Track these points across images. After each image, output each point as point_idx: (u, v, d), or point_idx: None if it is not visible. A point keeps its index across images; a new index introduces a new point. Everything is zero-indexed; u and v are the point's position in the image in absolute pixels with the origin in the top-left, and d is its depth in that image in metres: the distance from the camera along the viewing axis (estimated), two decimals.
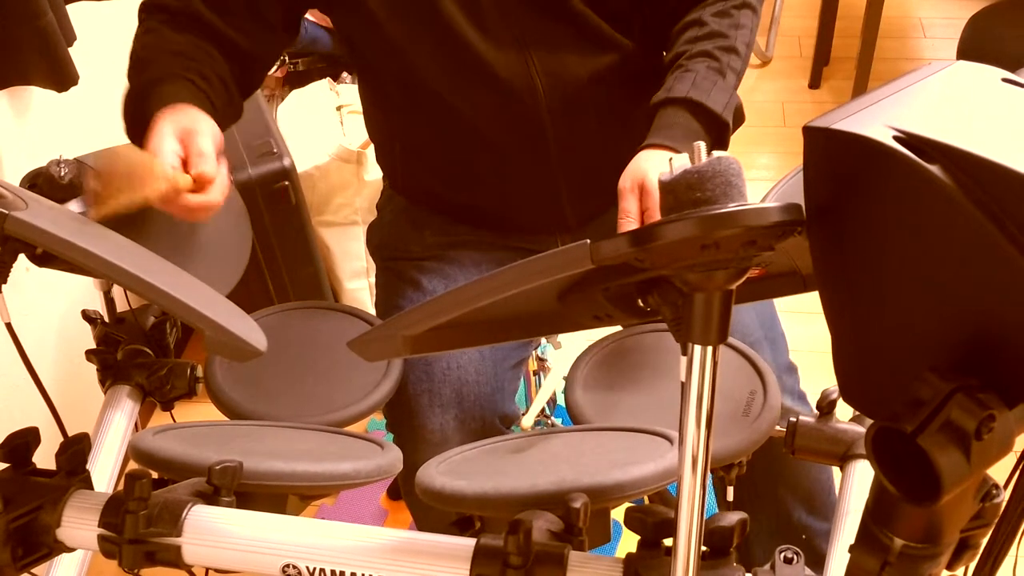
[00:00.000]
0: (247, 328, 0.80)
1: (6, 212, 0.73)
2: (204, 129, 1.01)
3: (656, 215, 1.04)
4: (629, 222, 1.05)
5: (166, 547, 0.75)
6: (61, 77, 1.53)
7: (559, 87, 1.18)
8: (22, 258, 0.82)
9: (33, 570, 0.80)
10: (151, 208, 1.06)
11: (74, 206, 1.04)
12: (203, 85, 1.08)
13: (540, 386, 1.80)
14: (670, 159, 0.59)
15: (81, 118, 1.80)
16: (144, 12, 1.16)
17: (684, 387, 0.61)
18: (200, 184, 0.97)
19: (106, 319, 1.17)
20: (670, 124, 1.10)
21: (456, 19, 1.14)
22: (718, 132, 1.12)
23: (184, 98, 1.03)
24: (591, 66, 1.19)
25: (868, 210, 0.54)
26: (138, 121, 1.02)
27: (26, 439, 0.81)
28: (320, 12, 1.25)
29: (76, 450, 0.81)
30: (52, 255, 0.78)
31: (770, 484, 1.24)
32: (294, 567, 0.73)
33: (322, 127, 2.10)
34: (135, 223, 1.07)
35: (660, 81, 1.23)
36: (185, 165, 0.98)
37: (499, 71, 1.17)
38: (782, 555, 0.73)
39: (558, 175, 1.25)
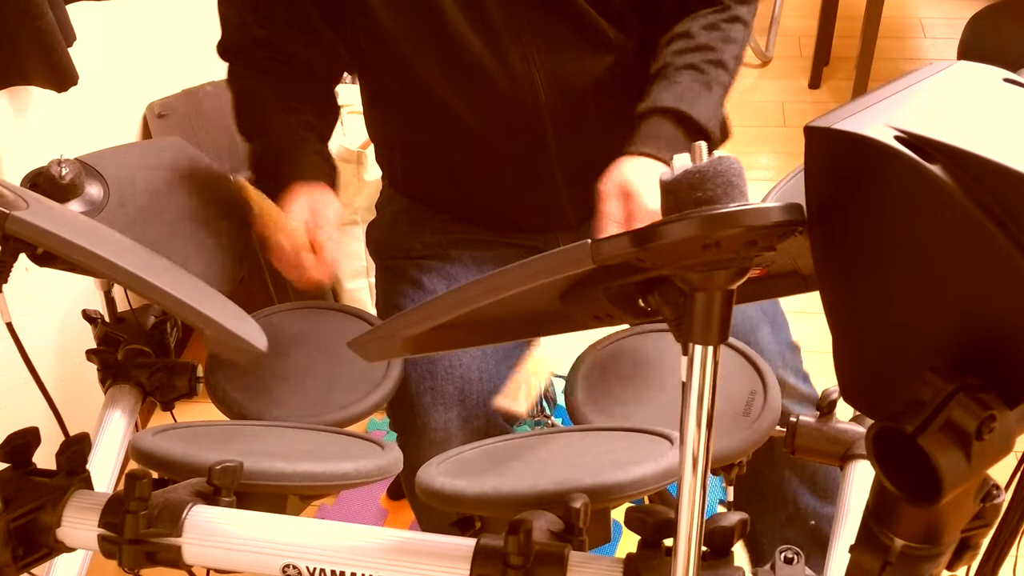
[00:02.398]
0: (247, 328, 0.80)
1: (7, 211, 0.73)
2: (331, 206, 1.15)
3: (640, 220, 1.04)
4: (613, 226, 1.06)
5: (166, 547, 0.75)
6: (61, 77, 1.53)
7: (559, 86, 1.19)
8: (22, 258, 0.82)
9: (33, 570, 0.80)
10: (152, 208, 1.06)
11: (75, 206, 1.04)
12: (319, 146, 1.22)
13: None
14: (671, 159, 0.60)
15: (81, 118, 1.80)
16: (226, 55, 1.26)
17: (685, 387, 0.61)
18: (316, 249, 1.11)
19: (107, 319, 1.17)
20: (654, 134, 1.10)
21: (457, 18, 1.14)
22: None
23: (315, 175, 1.18)
24: (591, 66, 1.19)
25: (869, 210, 0.54)
26: (269, 182, 1.15)
27: (26, 439, 0.80)
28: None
29: (76, 450, 0.81)
30: (53, 255, 0.78)
31: (775, 471, 1.23)
32: (294, 567, 0.73)
33: None
34: (136, 223, 1.07)
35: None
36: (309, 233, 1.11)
37: (500, 70, 1.17)
38: (782, 555, 0.73)
39: (558, 174, 1.25)
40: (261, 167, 1.21)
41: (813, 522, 1.24)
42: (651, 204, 1.04)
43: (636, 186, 1.05)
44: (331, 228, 1.12)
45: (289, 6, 1.20)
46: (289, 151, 1.19)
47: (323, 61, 1.27)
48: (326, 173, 1.20)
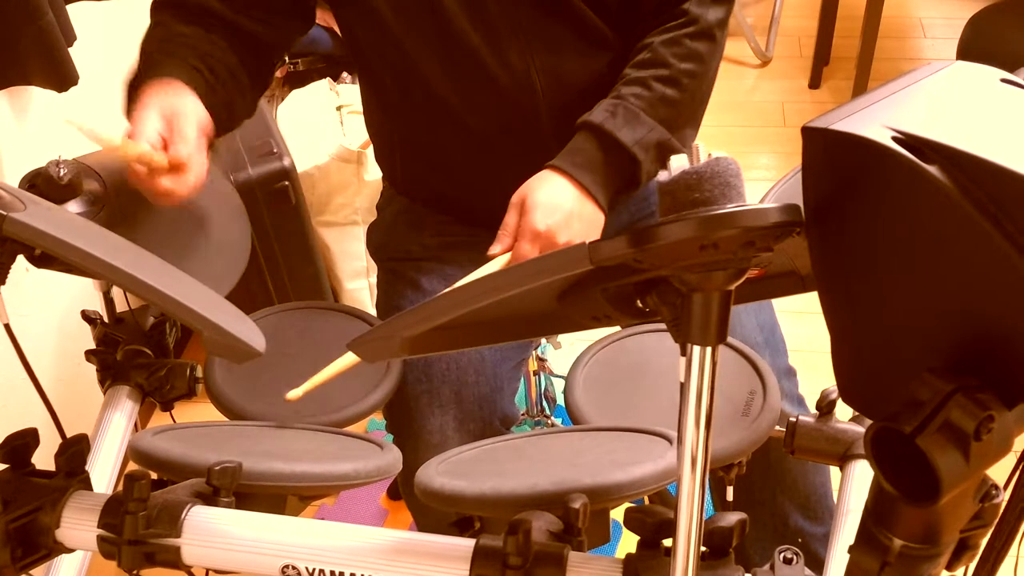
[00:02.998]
0: (246, 329, 0.80)
1: (4, 213, 0.73)
2: (190, 111, 0.99)
3: (523, 238, 1.03)
4: (505, 238, 1.05)
5: (165, 548, 0.75)
6: (61, 77, 1.53)
7: (558, 85, 1.19)
8: (21, 259, 0.82)
9: (32, 571, 0.80)
10: (151, 208, 1.06)
11: (73, 207, 1.03)
12: (204, 71, 1.07)
13: (540, 386, 1.80)
14: (668, 159, 0.59)
15: (81, 118, 1.80)
16: (154, 9, 1.16)
17: (683, 387, 0.61)
18: (175, 167, 0.97)
19: (105, 319, 1.17)
20: (576, 149, 1.09)
21: (458, 18, 1.14)
22: (628, 168, 1.09)
23: (176, 75, 1.02)
24: (590, 66, 1.19)
25: (867, 211, 0.54)
26: (133, 99, 1.01)
27: (25, 440, 0.80)
28: (324, 6, 1.25)
29: (75, 451, 0.81)
30: (51, 256, 0.78)
31: (767, 488, 1.24)
32: (293, 568, 0.73)
33: (322, 127, 2.10)
34: (135, 223, 1.07)
35: None
36: (166, 146, 0.97)
37: (499, 69, 1.17)
38: (781, 555, 0.73)
39: None
40: (128, 86, 1.07)
41: (801, 540, 1.24)
42: (540, 224, 1.04)
43: (532, 202, 1.05)
44: (190, 139, 0.98)
45: None
46: (161, 62, 1.05)
47: (270, 45, 1.18)
48: (190, 77, 1.03)
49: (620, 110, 1.09)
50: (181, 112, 1.00)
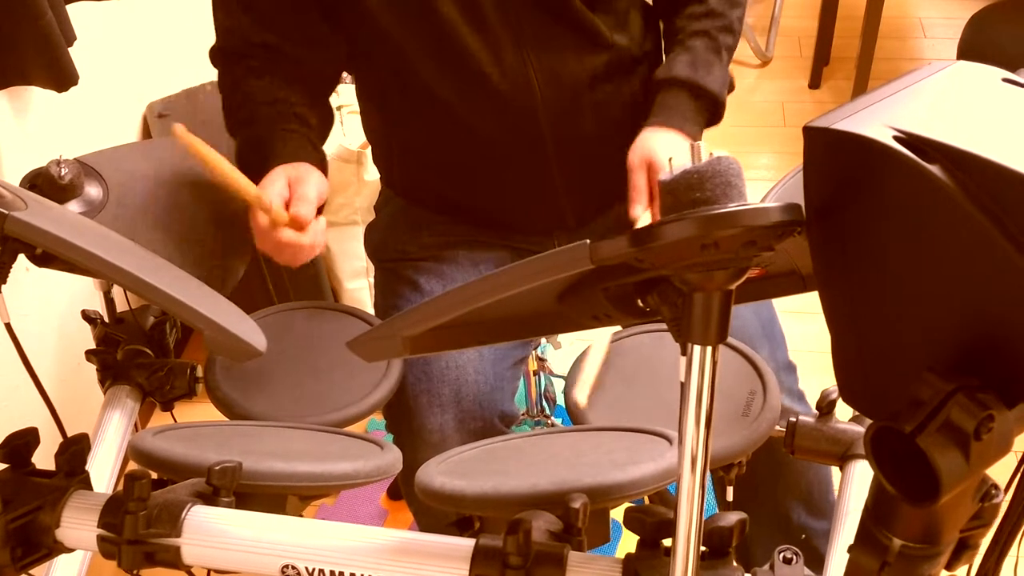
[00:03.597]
0: (247, 328, 0.80)
1: (6, 212, 0.73)
2: (311, 179, 1.10)
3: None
4: (640, 196, 1.15)
5: (165, 548, 0.75)
6: (61, 77, 1.53)
7: (556, 85, 1.19)
8: (22, 258, 0.82)
9: (32, 570, 0.80)
10: (150, 208, 1.06)
11: (74, 206, 1.04)
12: (304, 131, 1.19)
13: (540, 386, 1.80)
14: (669, 159, 0.60)
15: (81, 118, 1.80)
16: (217, 62, 1.24)
17: (684, 387, 0.61)
18: (296, 225, 1.06)
19: (106, 319, 1.17)
20: (671, 105, 1.20)
21: (453, 17, 1.14)
22: (714, 110, 1.23)
23: (298, 154, 1.14)
24: (588, 64, 1.20)
25: (868, 210, 0.54)
26: (252, 170, 1.10)
27: (26, 439, 0.80)
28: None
29: (75, 450, 0.81)
30: (52, 255, 0.78)
31: (769, 485, 1.24)
32: (293, 567, 0.73)
33: None
34: (135, 223, 1.07)
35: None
36: (287, 208, 1.07)
37: (496, 69, 1.17)
38: (781, 555, 0.73)
39: (555, 174, 1.25)
40: (244, 156, 1.18)
41: (804, 536, 1.24)
42: None
43: (659, 158, 1.14)
44: (311, 200, 1.08)
45: (290, 8, 1.18)
46: (272, 137, 1.16)
47: (323, 62, 1.25)
48: (310, 155, 1.16)
49: (699, 61, 1.21)
50: (305, 179, 1.10)
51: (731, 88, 1.29)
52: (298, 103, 1.19)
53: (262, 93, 1.19)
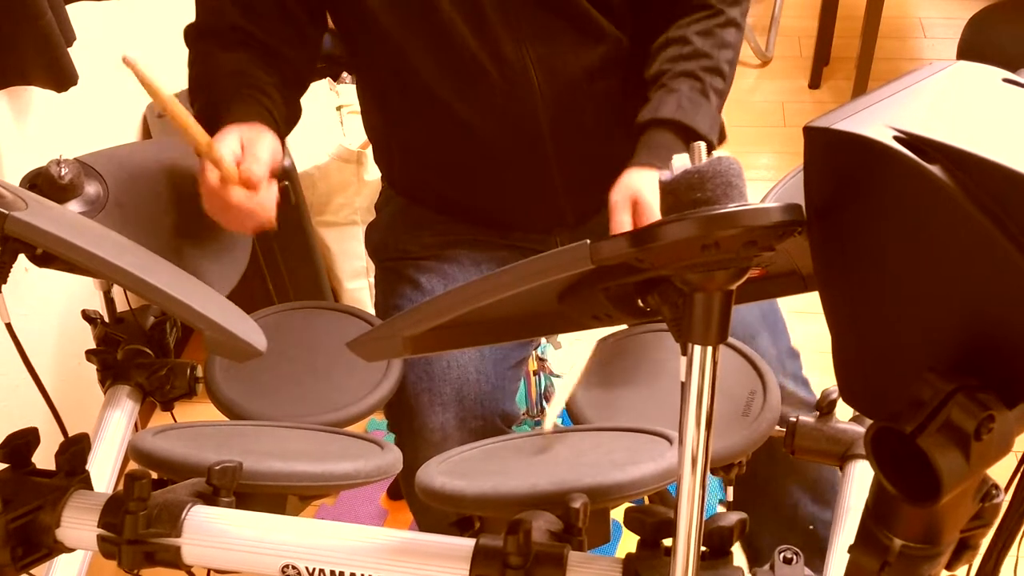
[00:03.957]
0: (247, 328, 0.80)
1: (6, 212, 0.73)
2: (265, 140, 1.07)
3: None
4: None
5: (165, 547, 0.75)
6: (61, 77, 1.53)
7: (555, 81, 1.19)
8: (22, 258, 0.82)
9: (32, 570, 0.80)
10: (151, 208, 1.06)
11: (74, 206, 1.03)
12: (265, 101, 1.14)
13: (541, 386, 1.80)
14: (671, 159, 0.60)
15: (81, 118, 1.80)
16: (190, 39, 1.21)
17: (684, 387, 0.61)
18: (247, 184, 1.02)
19: (106, 319, 1.17)
20: (657, 145, 1.12)
21: (452, 14, 1.14)
22: None
23: (252, 116, 1.10)
24: (587, 60, 1.20)
25: (868, 210, 0.54)
26: (207, 130, 1.06)
27: (26, 439, 0.80)
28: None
29: (76, 450, 0.81)
30: (52, 255, 0.78)
31: (775, 475, 1.24)
32: (293, 567, 0.73)
33: (322, 127, 2.10)
34: (135, 223, 1.07)
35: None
36: (239, 167, 1.03)
37: (494, 62, 1.17)
38: (782, 555, 0.73)
39: (555, 171, 1.25)
40: (200, 121, 1.11)
41: (812, 526, 1.24)
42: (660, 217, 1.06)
43: (646, 197, 1.07)
44: (263, 160, 1.04)
45: (276, 3, 1.17)
46: (229, 99, 1.12)
47: (300, 55, 1.22)
48: (267, 121, 1.11)
49: (685, 101, 1.13)
50: (258, 139, 1.06)
51: (723, 137, 1.22)
52: (265, 81, 1.16)
53: (228, 64, 1.16)
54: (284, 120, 1.17)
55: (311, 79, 1.28)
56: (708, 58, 1.16)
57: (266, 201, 1.04)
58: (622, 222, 1.08)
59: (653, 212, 1.06)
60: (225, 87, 1.14)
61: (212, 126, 1.07)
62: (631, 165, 1.12)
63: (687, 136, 1.12)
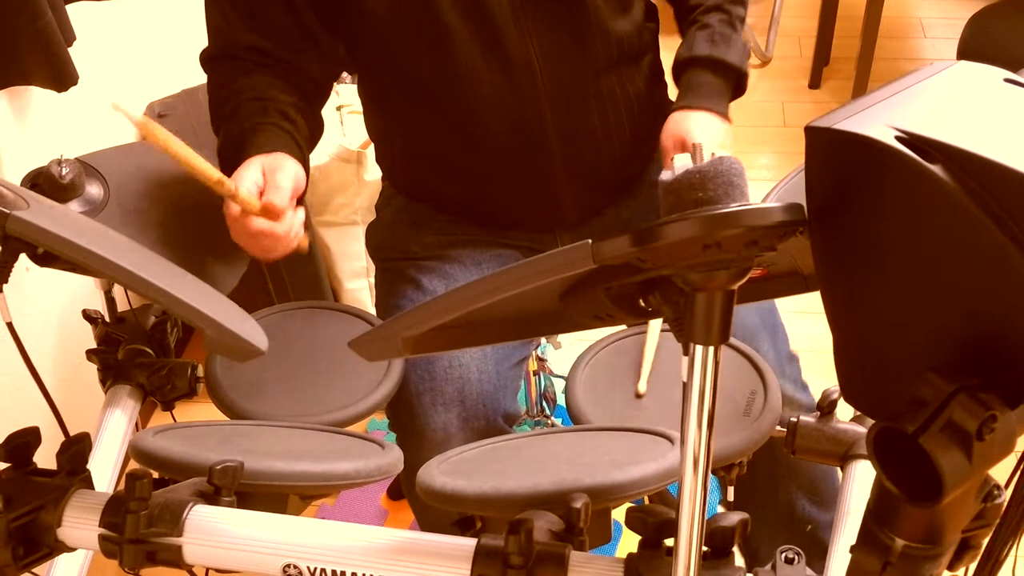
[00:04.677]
0: (248, 328, 0.80)
1: (7, 211, 0.73)
2: (287, 168, 1.09)
3: None
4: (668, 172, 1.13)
5: (167, 547, 0.75)
6: (61, 77, 1.53)
7: (560, 79, 1.19)
8: (23, 257, 0.82)
9: (34, 570, 0.80)
10: (151, 208, 1.06)
11: (75, 206, 1.04)
12: (286, 125, 1.16)
13: (541, 386, 1.80)
14: (671, 159, 0.60)
15: (81, 118, 1.80)
16: (207, 66, 1.23)
17: (685, 387, 0.61)
18: (269, 213, 1.04)
19: (107, 319, 1.17)
20: (697, 84, 1.24)
21: (455, 12, 1.14)
22: (738, 81, 1.27)
23: (275, 145, 1.12)
24: (591, 54, 1.20)
25: (870, 210, 0.54)
26: (232, 166, 1.09)
27: (27, 439, 0.80)
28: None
29: (77, 450, 0.81)
30: (53, 255, 0.78)
31: (774, 476, 1.24)
32: (295, 567, 0.73)
33: None
34: (136, 223, 1.07)
35: (659, 71, 1.31)
36: (261, 195, 1.06)
37: (499, 64, 1.17)
38: (783, 555, 0.73)
39: (559, 169, 1.25)
40: (224, 150, 1.16)
41: (810, 527, 1.24)
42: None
43: (695, 137, 1.17)
44: (285, 189, 1.06)
45: (284, 9, 1.18)
46: (251, 130, 1.14)
47: (318, 66, 1.24)
48: (290, 148, 1.13)
49: (717, 36, 1.24)
50: (280, 167, 1.08)
51: (749, 56, 1.31)
52: (285, 103, 1.18)
53: (248, 91, 1.18)
54: (307, 140, 1.21)
55: (331, 85, 1.30)
56: None
57: (291, 228, 1.07)
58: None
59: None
60: (246, 115, 1.16)
61: (236, 157, 1.10)
62: (675, 108, 1.22)
63: (723, 71, 1.24)
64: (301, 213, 1.09)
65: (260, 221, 1.04)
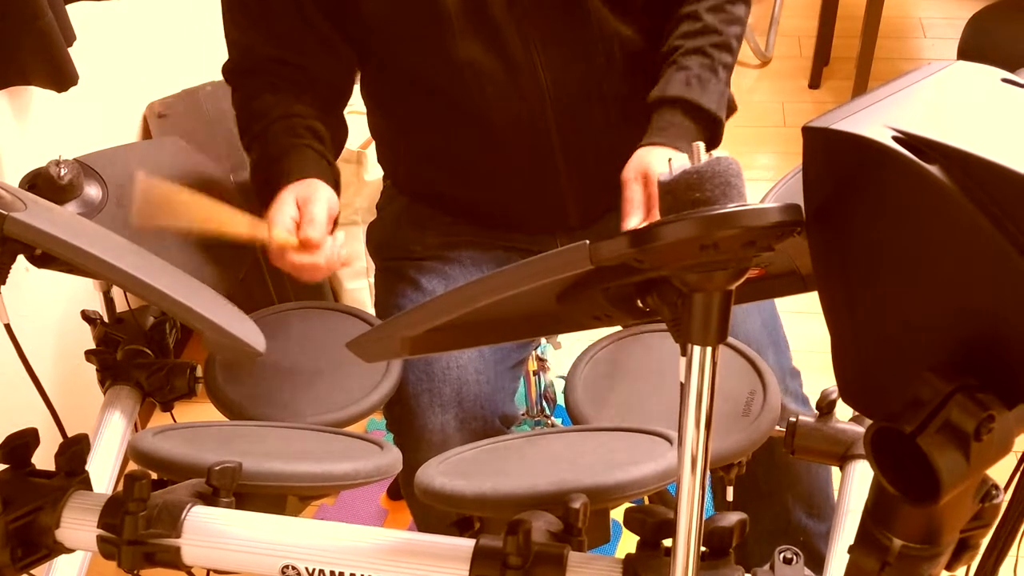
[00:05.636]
0: (246, 329, 0.80)
1: (5, 213, 0.73)
2: (320, 198, 1.11)
3: (654, 206, 1.07)
4: (636, 209, 1.10)
5: (165, 548, 0.75)
6: (61, 77, 1.53)
7: (564, 84, 1.19)
8: (21, 259, 0.82)
9: (32, 571, 0.80)
10: None
11: (73, 207, 1.04)
12: (316, 145, 1.19)
13: (540, 386, 1.80)
14: (669, 159, 0.60)
15: (81, 118, 1.80)
16: (230, 79, 1.25)
17: (684, 387, 0.61)
18: (307, 247, 1.07)
19: (105, 319, 1.17)
20: (667, 124, 1.15)
21: (460, 19, 1.14)
22: (712, 129, 1.18)
23: (306, 170, 1.15)
24: (596, 59, 1.20)
25: (867, 210, 0.54)
26: (267, 192, 1.13)
27: (25, 440, 0.80)
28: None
29: (75, 451, 0.81)
30: (51, 256, 0.78)
31: (770, 485, 1.24)
32: (293, 568, 0.73)
33: None
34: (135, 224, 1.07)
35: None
36: (298, 228, 1.08)
37: (505, 69, 1.17)
38: (781, 555, 0.73)
39: (562, 172, 1.25)
40: (257, 174, 1.19)
41: (803, 538, 1.24)
42: None
43: (655, 170, 1.10)
44: (320, 221, 1.08)
45: (298, 18, 1.19)
46: (283, 154, 1.17)
47: (334, 72, 1.26)
48: (321, 170, 1.17)
49: (693, 79, 1.17)
50: (313, 198, 1.10)
51: (732, 109, 1.26)
52: (310, 116, 1.20)
53: (275, 108, 1.20)
54: (334, 150, 1.23)
55: (351, 86, 1.31)
56: (718, 34, 1.19)
57: (330, 255, 1.09)
58: (632, 197, 1.11)
59: None
60: (275, 137, 1.18)
61: (269, 187, 1.13)
62: (641, 145, 1.16)
63: (696, 114, 1.16)
64: (340, 236, 1.11)
65: (300, 257, 1.07)
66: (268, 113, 1.20)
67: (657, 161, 1.11)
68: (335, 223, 1.14)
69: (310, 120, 1.20)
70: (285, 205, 1.10)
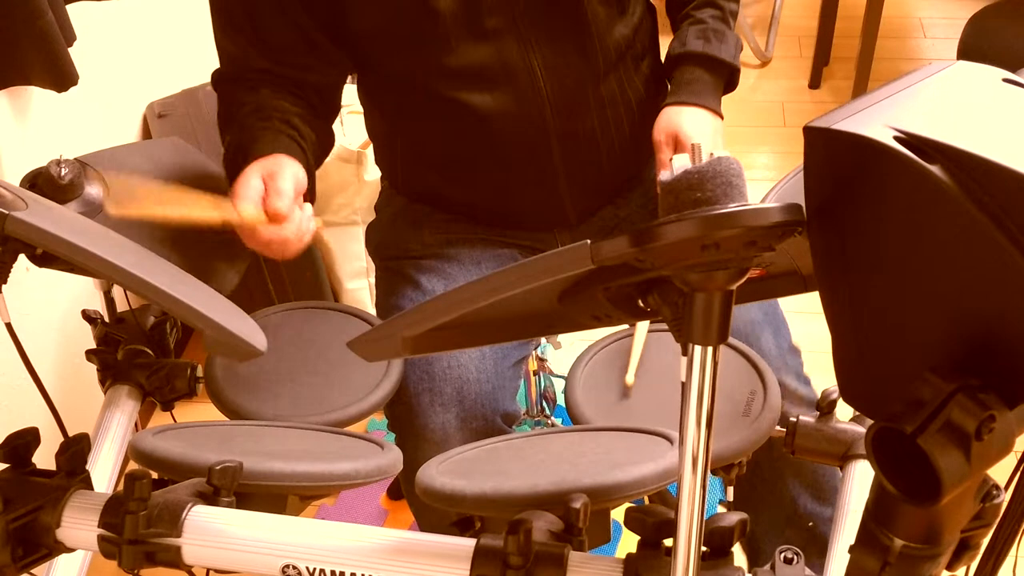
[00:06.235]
0: (247, 328, 0.80)
1: (6, 212, 0.73)
2: (286, 171, 1.09)
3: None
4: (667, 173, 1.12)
5: (166, 547, 0.75)
6: (61, 77, 1.53)
7: (562, 85, 1.19)
8: (22, 258, 0.82)
9: (33, 570, 0.80)
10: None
11: (74, 206, 1.03)
12: (286, 129, 1.17)
13: (540, 386, 1.80)
14: (670, 159, 0.60)
15: (81, 118, 1.80)
16: (216, 85, 1.24)
17: (684, 387, 0.61)
18: (274, 219, 1.05)
19: (106, 319, 1.17)
20: (689, 80, 1.25)
21: (457, 22, 1.14)
22: (730, 77, 1.28)
23: (273, 148, 1.12)
24: (592, 61, 1.20)
25: (868, 210, 0.54)
26: (236, 175, 1.10)
27: (26, 439, 0.80)
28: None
29: (76, 450, 0.81)
30: (52, 255, 0.78)
31: (775, 473, 1.24)
32: (294, 567, 0.73)
33: None
34: (134, 224, 1.07)
35: (658, 72, 1.31)
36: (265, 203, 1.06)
37: (502, 72, 1.17)
38: (782, 555, 0.73)
39: (559, 171, 1.26)
40: (229, 159, 1.16)
41: (811, 524, 1.24)
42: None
43: (686, 132, 1.19)
44: (286, 193, 1.06)
45: (289, 27, 1.18)
46: (251, 137, 1.14)
47: (326, 77, 1.25)
48: (290, 150, 1.14)
49: (710, 32, 1.26)
50: (278, 171, 1.08)
51: (741, 50, 1.32)
52: (288, 111, 1.19)
53: (251, 103, 1.19)
54: (313, 145, 1.21)
55: (340, 97, 1.30)
56: None
57: (299, 227, 1.07)
58: (663, 159, 1.20)
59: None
60: (245, 124, 1.17)
61: (238, 165, 1.10)
62: (667, 103, 1.23)
63: (715, 67, 1.25)
64: (308, 209, 1.10)
65: (268, 229, 1.05)
66: (245, 107, 1.19)
67: (685, 122, 1.20)
68: (307, 197, 1.12)
69: (287, 114, 1.18)
70: (251, 179, 1.07)
